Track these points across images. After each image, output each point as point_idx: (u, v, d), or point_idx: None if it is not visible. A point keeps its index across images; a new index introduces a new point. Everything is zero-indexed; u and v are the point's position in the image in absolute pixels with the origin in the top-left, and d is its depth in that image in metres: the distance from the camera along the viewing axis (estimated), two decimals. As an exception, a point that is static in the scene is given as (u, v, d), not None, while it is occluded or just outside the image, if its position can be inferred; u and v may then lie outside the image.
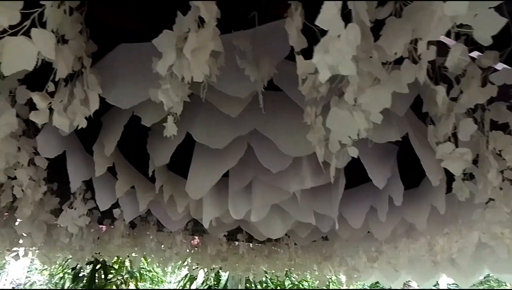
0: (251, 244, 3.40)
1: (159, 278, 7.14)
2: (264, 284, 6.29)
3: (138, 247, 3.06)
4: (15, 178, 1.69)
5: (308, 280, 6.21)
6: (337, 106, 0.82)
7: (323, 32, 0.69)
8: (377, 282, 5.15)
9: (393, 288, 4.42)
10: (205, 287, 5.99)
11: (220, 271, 5.00)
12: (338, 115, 0.81)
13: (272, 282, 6.37)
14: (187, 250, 3.08)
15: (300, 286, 6.75)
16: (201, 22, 0.78)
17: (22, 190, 1.72)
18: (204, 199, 2.07)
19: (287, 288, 6.67)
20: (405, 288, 8.04)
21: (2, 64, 0.68)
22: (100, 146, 1.71)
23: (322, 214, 2.14)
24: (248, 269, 3.56)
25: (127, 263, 5.48)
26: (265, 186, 1.87)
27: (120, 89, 1.17)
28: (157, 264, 3.56)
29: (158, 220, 2.78)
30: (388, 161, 1.72)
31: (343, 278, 3.46)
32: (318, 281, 3.66)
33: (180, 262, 3.63)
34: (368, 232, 2.66)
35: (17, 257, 2.94)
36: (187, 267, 4.28)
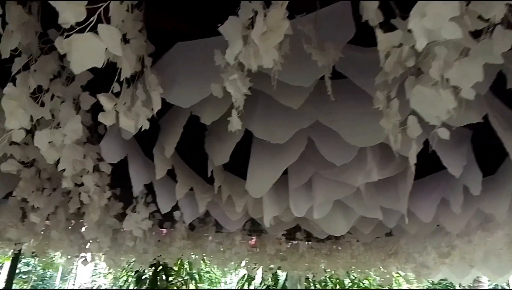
0: (310, 243, 3.32)
1: (217, 279, 7.22)
2: (323, 283, 6.17)
3: (198, 249, 3.08)
4: (81, 185, 1.74)
5: (370, 278, 6.00)
6: (420, 84, 0.73)
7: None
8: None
9: (462, 285, 4.14)
10: (263, 287, 5.97)
11: (278, 271, 4.95)
12: (423, 94, 0.72)
13: (331, 281, 6.23)
14: (246, 250, 3.05)
15: (361, 284, 6.54)
16: (266, 5, 0.73)
17: (89, 196, 1.78)
18: (264, 198, 2.03)
19: (347, 287, 6.49)
20: (474, 286, 7.55)
21: (71, 62, 0.67)
22: (160, 149, 1.71)
23: (388, 209, 2.02)
24: (309, 268, 3.48)
25: (186, 265, 5.59)
26: (327, 182, 1.79)
27: (180, 88, 1.15)
28: (216, 265, 3.59)
29: (217, 221, 2.79)
30: (463, 147, 1.58)
31: (411, 275, 3.28)
32: (382, 279, 3.50)
33: (238, 262, 3.62)
34: (438, 225, 2.49)
35: (85, 262, 3.07)
36: (245, 268, 4.28)
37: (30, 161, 1.68)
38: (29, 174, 1.70)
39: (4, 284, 4.25)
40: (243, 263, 3.80)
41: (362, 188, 1.78)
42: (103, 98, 0.87)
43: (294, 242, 3.35)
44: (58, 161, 1.77)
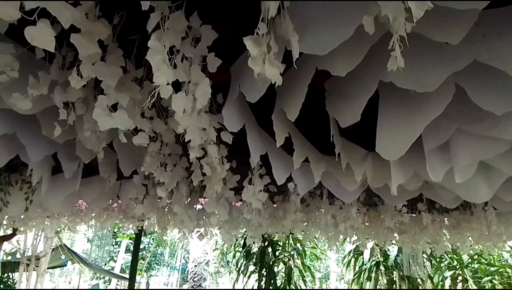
0: (433, 214, 3.02)
1: (322, 254, 7.14)
2: (438, 259, 5.72)
3: (310, 222, 2.99)
4: (202, 157, 1.74)
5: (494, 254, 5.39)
6: None
7: None
8: None
9: None
10: (372, 263, 5.75)
11: (388, 246, 4.69)
12: None
13: (449, 256, 5.73)
14: (362, 223, 2.88)
15: (482, 260, 5.91)
16: None
17: (210, 168, 1.77)
18: (392, 163, 1.84)
19: (465, 263, 5.94)
20: None
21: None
22: (279, 115, 1.62)
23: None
24: (430, 242, 3.19)
25: (291, 240, 5.60)
26: (472, 139, 1.54)
27: (313, 34, 1.01)
28: (326, 239, 3.48)
29: (330, 192, 2.66)
30: None
31: None
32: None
33: (351, 236, 3.46)
34: None
35: (201, 236, 3.19)
36: (355, 242, 4.11)
37: (155, 135, 1.72)
38: (156, 148, 1.73)
39: (131, 259, 4.66)
40: (354, 237, 3.63)
41: (517, 144, 1.50)
42: (249, 42, 0.78)
43: (413, 214, 3.08)
44: (180, 135, 1.79)
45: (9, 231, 4.29)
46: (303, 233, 3.38)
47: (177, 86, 1.13)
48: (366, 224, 3.21)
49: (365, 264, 5.85)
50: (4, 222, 3.37)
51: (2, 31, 0.92)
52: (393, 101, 1.48)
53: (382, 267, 5.82)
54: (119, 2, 1.23)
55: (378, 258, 5.72)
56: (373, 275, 5.81)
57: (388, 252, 5.71)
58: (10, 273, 9.51)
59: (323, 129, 2.16)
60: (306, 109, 1.67)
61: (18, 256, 8.98)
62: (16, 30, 1.15)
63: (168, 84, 0.96)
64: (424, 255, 5.32)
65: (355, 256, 6.04)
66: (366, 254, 5.88)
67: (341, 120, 1.52)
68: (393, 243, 3.62)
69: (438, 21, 0.99)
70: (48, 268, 10.28)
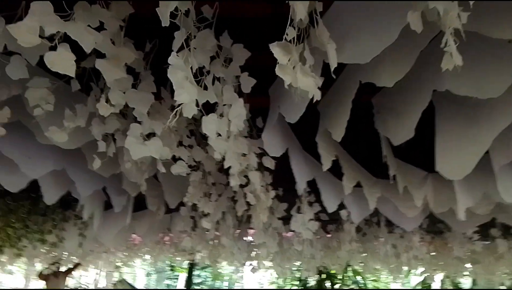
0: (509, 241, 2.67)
1: (386, 287, 6.62)
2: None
3: (369, 253, 2.77)
4: (245, 185, 1.66)
5: None
6: None
7: None
8: None
9: None
10: (443, 297, 5.23)
11: (460, 278, 4.23)
12: None
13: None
14: (427, 253, 2.61)
15: None
16: None
17: (254, 196, 1.68)
18: (456, 185, 1.64)
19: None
20: None
21: None
22: (324, 136, 1.51)
23: None
24: (509, 273, 2.81)
25: (350, 273, 5.26)
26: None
27: (353, 42, 0.92)
28: (388, 271, 3.20)
29: (388, 219, 2.45)
30: None
31: None
32: None
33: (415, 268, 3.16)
34: None
35: (254, 269, 3.07)
36: (420, 274, 3.77)
37: (196, 164, 1.67)
38: (197, 178, 1.68)
39: (184, 292, 4.60)
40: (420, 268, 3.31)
41: None
42: (277, 49, 0.70)
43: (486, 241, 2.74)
44: (221, 164, 1.74)
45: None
46: (362, 264, 3.14)
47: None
48: (432, 254, 2.91)
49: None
50: (63, 258, 3.48)
51: (33, 63, 0.92)
52: (452, 113, 1.32)
53: (454, 301, 5.28)
54: (151, 30, 1.21)
55: (448, 291, 5.19)
56: (445, 309, 5.28)
57: (460, 284, 5.17)
58: (74, 309, 9.84)
59: (373, 149, 2.02)
60: (353, 129, 1.55)
61: (81, 291, 9.29)
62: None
63: (198, 107, 0.89)
64: (503, 287, 4.73)
65: (424, 288, 5.53)
66: (435, 286, 5.36)
67: (393, 137, 1.37)
68: (465, 275, 3.25)
69: (497, 16, 0.85)
70: (110, 303, 10.51)
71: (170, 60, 0.76)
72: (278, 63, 0.71)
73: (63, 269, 4.46)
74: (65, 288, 4.89)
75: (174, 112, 0.83)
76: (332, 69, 0.80)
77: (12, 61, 0.92)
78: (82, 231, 2.66)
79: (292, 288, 6.20)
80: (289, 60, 0.71)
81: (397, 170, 1.84)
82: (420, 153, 1.95)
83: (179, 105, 0.82)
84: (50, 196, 1.98)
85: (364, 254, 2.95)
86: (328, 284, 5.20)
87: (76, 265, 4.42)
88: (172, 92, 1.37)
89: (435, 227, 2.71)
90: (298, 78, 0.73)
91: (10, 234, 2.31)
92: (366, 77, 1.14)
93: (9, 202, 2.20)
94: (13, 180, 1.81)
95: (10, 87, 1.19)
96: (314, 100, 0.93)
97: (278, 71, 0.71)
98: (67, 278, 4.78)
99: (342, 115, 1.25)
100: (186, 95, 0.78)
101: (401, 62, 1.04)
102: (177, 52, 0.84)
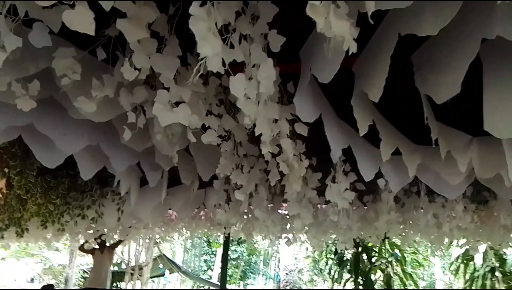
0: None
1: (424, 260, 6.46)
2: None
3: (408, 224, 2.68)
4: (277, 154, 1.61)
5: None
6: None
7: None
8: None
9: None
10: (486, 269, 5.03)
11: (504, 249, 4.05)
12: None
13: None
14: (471, 223, 2.49)
15: None
16: None
17: (287, 166, 1.64)
18: (506, 147, 1.52)
19: None
20: None
21: None
22: (359, 99, 1.43)
23: None
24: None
25: (387, 246, 5.16)
26: None
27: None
28: (428, 242, 3.10)
29: (428, 187, 2.35)
30: None
31: None
32: None
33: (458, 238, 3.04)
34: None
35: (288, 242, 3.05)
36: (461, 246, 3.64)
37: (227, 134, 1.64)
38: (228, 148, 1.65)
39: (221, 267, 4.70)
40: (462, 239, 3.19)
41: None
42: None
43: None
44: (252, 135, 1.69)
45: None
46: (400, 236, 3.05)
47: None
48: (476, 223, 2.78)
49: (478, 271, 5.13)
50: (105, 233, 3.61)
51: (56, 30, 0.90)
52: (503, 65, 1.20)
53: (498, 273, 5.07)
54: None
55: (493, 263, 4.97)
56: (488, 282, 5.08)
57: (504, 256, 4.95)
58: (117, 283, 10.37)
59: (410, 113, 1.91)
60: (389, 91, 1.45)
61: (123, 266, 9.74)
62: (76, 36, 1.16)
63: (225, 67, 0.84)
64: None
65: (465, 261, 5.34)
66: (478, 258, 5.16)
67: (437, 95, 1.27)
68: (510, 245, 3.09)
69: None
70: (150, 277, 10.99)
71: (191, 10, 0.71)
72: (309, 2, 0.64)
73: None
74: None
75: (198, 65, 0.78)
76: (369, 14, 0.72)
77: (35, 28, 0.90)
78: (120, 206, 2.73)
79: (328, 261, 6.19)
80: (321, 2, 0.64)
81: (439, 133, 1.73)
82: (462, 115, 1.83)
83: (203, 59, 0.77)
84: (86, 171, 2.02)
85: (402, 226, 2.86)
86: (364, 257, 5.14)
87: (120, 241, 4.59)
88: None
89: (480, 195, 2.58)
90: (332, 22, 0.65)
91: (52, 210, 2.39)
92: (406, 28, 1.05)
93: (49, 179, 2.27)
94: (50, 157, 1.85)
95: (38, 60, 1.19)
96: (350, 53, 0.85)
97: (309, 11, 0.65)
98: (112, 253, 4.96)
99: (379, 73, 1.17)
100: (209, 48, 0.73)
101: (444, 8, 0.94)
102: (200, 6, 0.79)
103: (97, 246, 4.54)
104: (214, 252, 19.96)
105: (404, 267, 5.46)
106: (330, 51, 0.93)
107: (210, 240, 17.76)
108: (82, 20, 0.71)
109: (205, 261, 20.05)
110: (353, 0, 0.77)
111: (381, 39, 1.16)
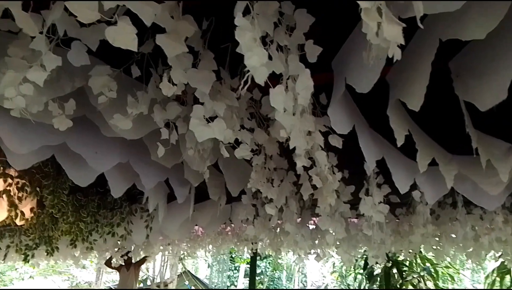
0: None
1: (456, 274, 6.16)
2: None
3: (443, 237, 2.57)
4: (310, 168, 1.58)
5: None
6: None
7: None
8: None
9: None
10: (526, 283, 4.79)
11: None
12: None
13: None
14: (511, 235, 2.37)
15: None
16: None
17: (320, 179, 1.59)
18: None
19: None
20: None
21: None
22: (395, 108, 1.38)
23: None
24: None
25: (418, 260, 4.99)
26: None
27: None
28: (465, 255, 2.97)
29: (465, 198, 2.25)
30: None
31: None
32: None
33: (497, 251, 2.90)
34: None
35: (318, 257, 2.97)
36: (496, 259, 3.47)
37: (258, 148, 1.61)
38: (260, 162, 1.62)
39: (249, 283, 4.63)
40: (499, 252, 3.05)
41: None
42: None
43: None
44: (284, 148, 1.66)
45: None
46: (434, 250, 2.93)
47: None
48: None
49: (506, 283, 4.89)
50: (131, 250, 3.61)
51: (94, 48, 0.90)
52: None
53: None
54: (207, 8, 1.16)
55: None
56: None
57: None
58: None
59: (443, 122, 1.85)
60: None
61: (148, 283, 9.74)
62: (109, 55, 1.16)
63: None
64: None
65: (500, 275, 5.09)
66: (515, 271, 4.93)
67: (480, 102, 1.21)
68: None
69: None
70: (175, 294, 10.96)
71: (237, 21, 0.70)
72: (360, 8, 0.61)
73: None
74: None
75: (245, 78, 0.76)
76: (418, 18, 0.69)
77: (73, 47, 0.91)
78: (148, 223, 2.72)
79: (356, 276, 6.02)
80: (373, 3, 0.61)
81: (478, 142, 1.66)
82: (497, 123, 1.76)
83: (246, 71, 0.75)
84: (117, 189, 2.03)
85: (437, 239, 2.75)
86: (394, 271, 4.97)
87: (145, 257, 4.59)
88: (231, 72, 1.32)
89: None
90: (384, 27, 0.63)
91: (83, 228, 2.41)
92: (448, 32, 1.01)
93: (80, 198, 2.29)
94: (82, 175, 1.86)
95: (73, 79, 1.20)
96: (395, 60, 0.82)
97: (364, 15, 0.62)
98: (138, 269, 4.97)
99: (419, 81, 1.12)
100: (256, 59, 0.71)
101: (492, 9, 0.90)
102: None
103: (123, 263, 4.56)
104: (237, 268, 19.79)
105: (437, 281, 5.26)
106: (372, 59, 0.90)
107: (233, 256, 17.65)
108: (124, 36, 0.70)
109: (228, 276, 19.89)
110: (400, 0, 0.73)
111: (420, 46, 1.12)
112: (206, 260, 18.29)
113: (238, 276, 19.69)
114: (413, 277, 4.93)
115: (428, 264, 5.03)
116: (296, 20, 0.97)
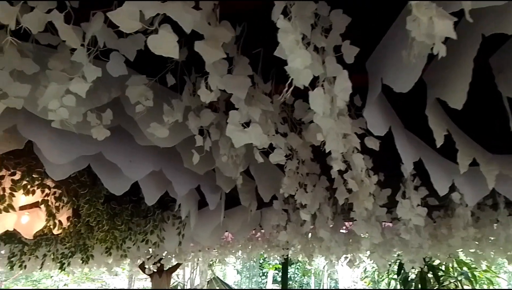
0: None
1: (495, 278, 5.90)
2: None
3: (483, 240, 2.47)
4: (345, 171, 1.54)
5: None
6: None
7: None
8: None
9: None
10: None
11: None
12: None
13: None
14: (558, 237, 2.24)
15: None
16: None
17: (356, 183, 1.56)
18: None
19: None
20: None
21: None
22: (434, 108, 1.34)
23: None
24: None
25: (455, 263, 4.81)
26: None
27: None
28: (506, 259, 2.83)
29: (507, 200, 2.16)
30: None
31: None
32: None
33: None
34: None
35: (350, 263, 2.91)
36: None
37: (291, 153, 1.59)
38: (293, 167, 1.60)
39: (281, 288, 4.58)
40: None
41: None
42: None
43: None
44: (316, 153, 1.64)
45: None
46: (473, 253, 2.82)
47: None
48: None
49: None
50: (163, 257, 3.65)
51: (131, 58, 0.91)
52: None
53: None
54: (239, 15, 1.16)
55: None
56: None
57: None
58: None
59: (481, 121, 1.78)
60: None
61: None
62: (144, 66, 1.18)
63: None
64: None
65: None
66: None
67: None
68: None
69: None
70: (205, 300, 11.01)
71: (279, 23, 0.69)
72: (414, 2, 0.59)
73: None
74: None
75: (289, 81, 0.75)
76: (467, 13, 0.66)
77: (112, 58, 0.92)
78: (180, 230, 2.74)
79: (390, 281, 5.87)
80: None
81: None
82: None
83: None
84: (151, 197, 2.05)
85: (477, 242, 2.64)
86: (430, 276, 4.81)
87: (178, 265, 4.62)
88: (264, 77, 1.31)
89: None
90: (435, 21, 0.60)
91: (117, 236, 2.45)
92: (492, 27, 0.97)
93: (114, 206, 2.33)
94: (117, 184, 1.90)
95: (110, 90, 1.22)
96: (440, 57, 0.79)
97: (416, 11, 0.60)
98: (170, 276, 5.02)
99: (462, 78, 1.08)
100: (300, 61, 0.69)
101: None
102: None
103: (155, 270, 4.61)
104: (265, 274, 19.71)
105: (475, 286, 5.05)
106: (414, 58, 0.87)
107: (261, 261, 17.59)
108: (166, 44, 0.71)
109: (256, 283, 19.82)
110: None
111: (462, 42, 1.07)
112: (234, 266, 18.31)
113: (266, 282, 19.59)
114: (450, 282, 4.76)
115: (465, 268, 4.85)
116: (332, 21, 0.96)
